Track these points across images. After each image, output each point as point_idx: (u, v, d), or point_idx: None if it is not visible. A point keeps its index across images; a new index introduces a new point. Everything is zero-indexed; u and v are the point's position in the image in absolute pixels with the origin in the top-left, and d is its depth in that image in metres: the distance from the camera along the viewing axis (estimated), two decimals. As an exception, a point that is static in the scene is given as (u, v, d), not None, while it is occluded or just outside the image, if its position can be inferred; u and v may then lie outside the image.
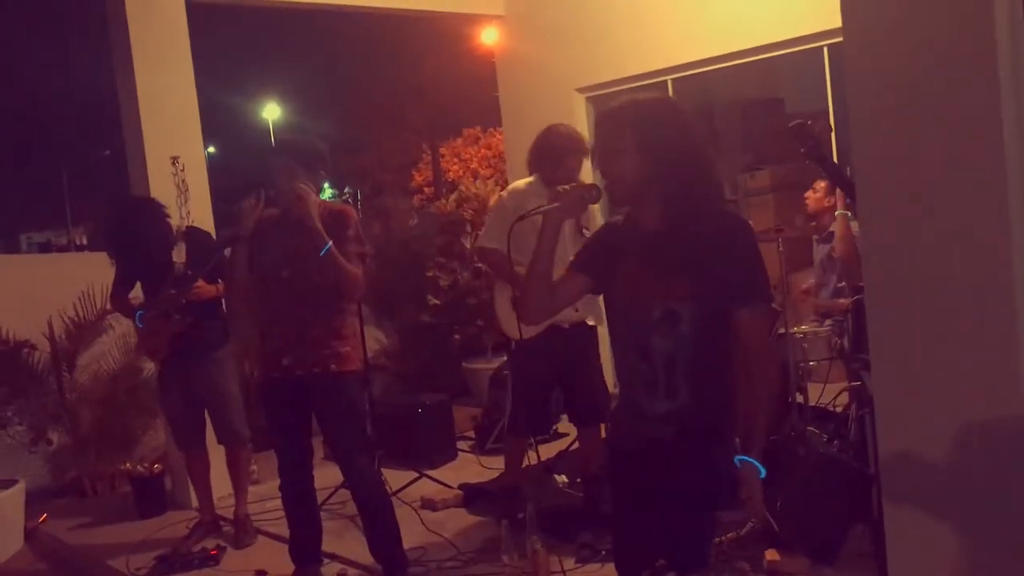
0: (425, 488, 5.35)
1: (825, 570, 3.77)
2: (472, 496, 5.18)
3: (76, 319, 6.30)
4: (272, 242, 3.86)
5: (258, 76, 35.54)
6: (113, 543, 5.11)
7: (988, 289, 2.71)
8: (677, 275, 2.41)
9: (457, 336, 7.54)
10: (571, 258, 2.72)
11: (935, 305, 2.82)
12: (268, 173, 3.91)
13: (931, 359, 2.84)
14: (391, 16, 7.91)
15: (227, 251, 4.09)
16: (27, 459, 6.12)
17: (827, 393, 5.04)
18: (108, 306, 5.08)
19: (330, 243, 3.76)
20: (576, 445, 5.27)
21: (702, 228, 2.41)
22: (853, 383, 4.43)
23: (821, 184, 5.46)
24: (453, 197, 8.00)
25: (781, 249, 4.74)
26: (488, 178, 8.37)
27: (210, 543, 4.87)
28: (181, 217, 5.42)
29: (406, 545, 4.26)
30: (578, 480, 5.04)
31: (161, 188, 5.40)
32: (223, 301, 4.77)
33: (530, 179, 4.59)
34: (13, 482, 5.39)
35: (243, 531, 4.91)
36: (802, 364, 4.69)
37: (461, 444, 6.35)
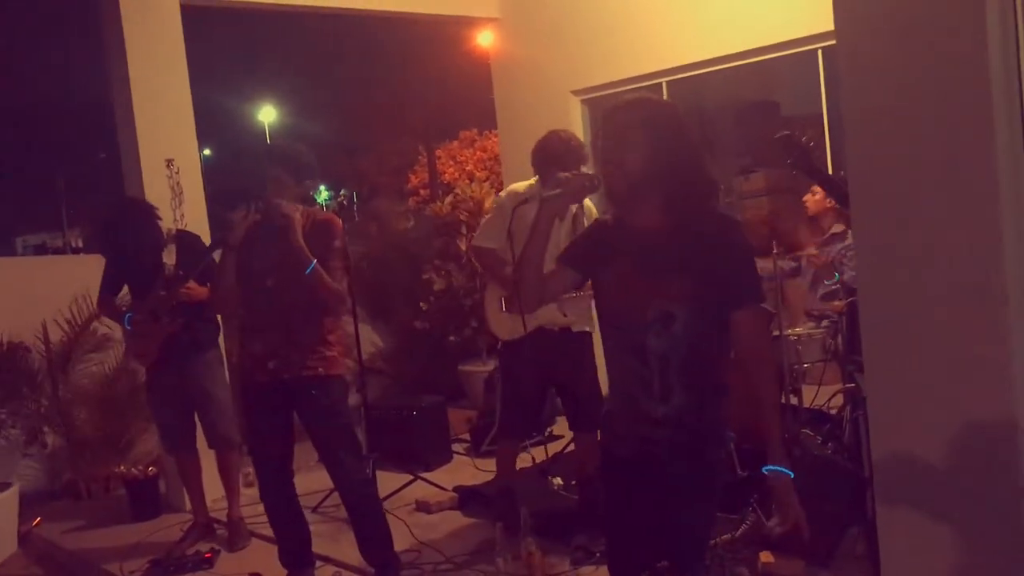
0: (420, 491, 5.35)
1: (820, 572, 3.77)
2: (467, 498, 5.18)
3: (71, 321, 6.28)
4: (259, 250, 3.87)
5: (254, 78, 35.56)
6: (107, 546, 5.10)
7: (980, 293, 2.71)
8: (672, 275, 2.41)
9: (452, 339, 7.53)
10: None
11: (927, 308, 2.82)
12: (257, 182, 3.91)
13: (923, 363, 2.85)
14: (387, 19, 7.91)
15: (216, 253, 4.10)
16: (22, 462, 6.11)
17: (821, 395, 5.05)
18: (99, 311, 5.05)
19: (314, 262, 3.79)
20: (572, 447, 5.27)
21: (697, 229, 2.43)
22: (847, 385, 4.44)
23: (816, 186, 5.44)
24: (448, 200, 8.00)
25: (776, 252, 4.75)
26: (484, 180, 8.35)
27: (204, 546, 4.86)
28: (175, 220, 5.42)
29: (400, 548, 4.26)
30: (573, 483, 5.04)
31: (155, 191, 5.40)
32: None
33: (530, 181, 4.61)
34: (7, 485, 5.38)
35: (236, 534, 4.90)
36: (796, 366, 4.69)
37: (456, 446, 6.35)
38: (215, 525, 5.11)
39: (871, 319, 2.99)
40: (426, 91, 25.01)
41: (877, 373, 3.01)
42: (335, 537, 4.77)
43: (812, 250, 4.74)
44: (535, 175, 4.61)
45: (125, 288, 4.98)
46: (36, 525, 5.57)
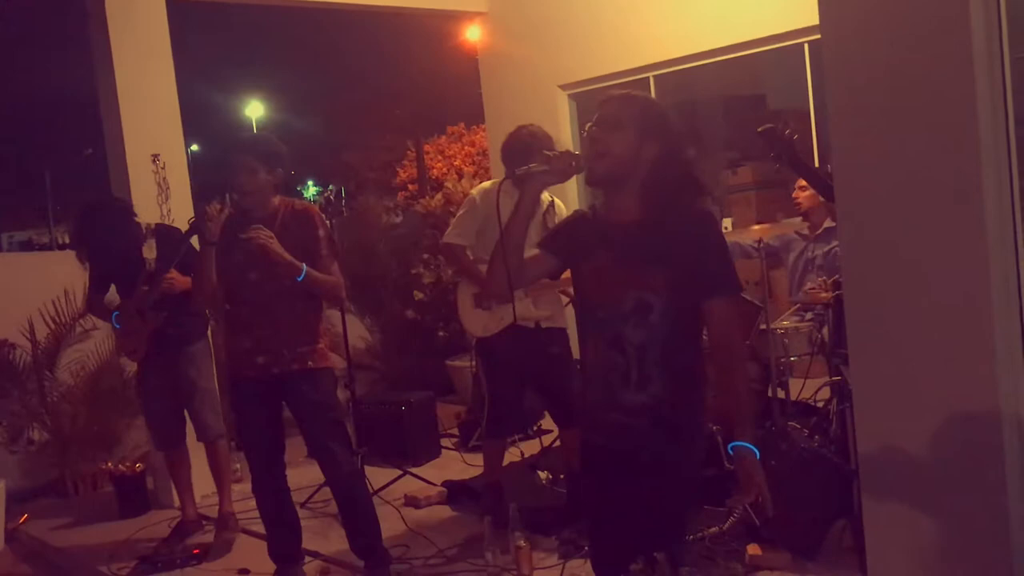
0: (409, 485, 5.35)
1: (807, 564, 3.79)
2: (456, 493, 5.18)
3: (57, 318, 6.26)
4: (240, 244, 3.85)
5: (242, 74, 35.43)
6: (95, 543, 5.09)
7: (964, 287, 2.73)
8: (650, 266, 2.45)
9: (441, 333, 7.53)
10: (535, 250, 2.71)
11: (912, 303, 2.84)
12: (229, 172, 3.90)
13: (908, 356, 2.87)
14: (374, 13, 7.89)
15: (194, 238, 4.10)
16: (8, 459, 6.08)
17: (808, 388, 5.06)
18: (87, 311, 5.04)
19: (304, 269, 3.79)
20: (558, 443, 5.28)
21: (674, 221, 2.47)
22: (834, 378, 4.46)
23: (804, 180, 5.38)
24: (439, 196, 7.99)
25: (762, 246, 4.75)
26: (472, 175, 8.35)
27: (193, 542, 4.85)
28: (162, 215, 5.40)
29: (390, 542, 4.26)
30: (561, 476, 5.05)
31: (142, 186, 5.38)
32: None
33: (501, 181, 4.62)
34: (-7, 482, 5.36)
35: (225, 527, 4.88)
36: (783, 359, 4.70)
37: (445, 441, 6.35)
38: (204, 521, 5.10)
39: (856, 313, 3.01)
40: (414, 86, 24.92)
41: (862, 366, 3.03)
42: (324, 532, 4.77)
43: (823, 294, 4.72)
44: (504, 168, 4.62)
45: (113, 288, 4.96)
46: (23, 523, 5.55)
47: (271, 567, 4.20)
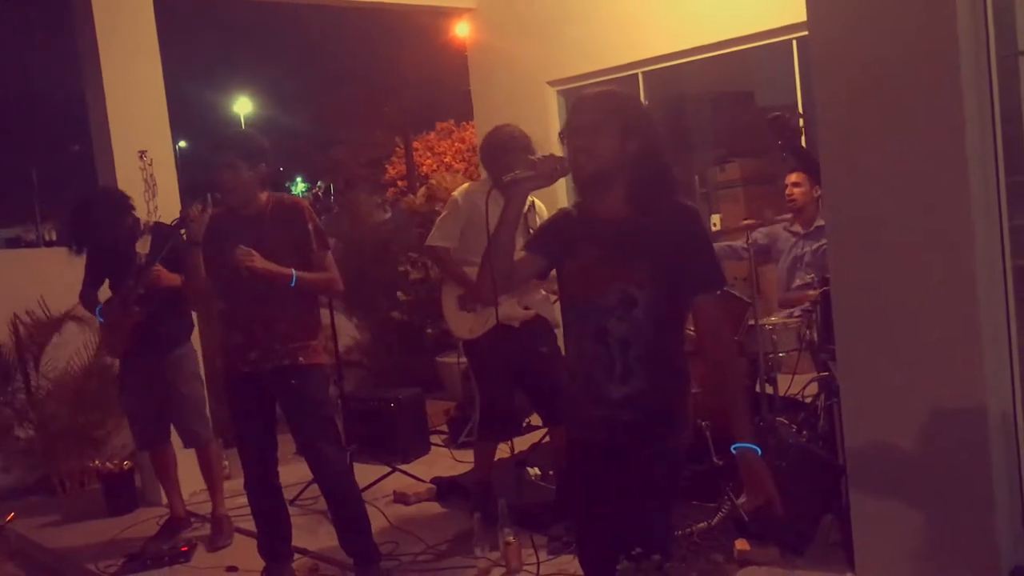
0: (398, 482, 5.35)
1: (795, 559, 3.80)
2: (445, 490, 5.18)
3: (44, 315, 6.22)
4: (230, 241, 3.83)
5: (230, 70, 35.30)
6: (83, 541, 5.06)
7: (951, 283, 2.75)
8: (635, 260, 2.47)
9: (430, 330, 7.52)
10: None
11: (900, 299, 2.85)
12: (211, 170, 3.88)
13: (895, 351, 2.88)
14: (363, 10, 7.87)
15: (182, 232, 4.10)
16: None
17: (796, 384, 5.08)
18: (78, 302, 4.98)
19: (294, 274, 3.79)
20: (547, 439, 5.28)
21: (659, 217, 2.49)
22: (821, 373, 4.47)
23: (796, 177, 5.38)
24: (422, 192, 7.98)
25: (750, 242, 4.76)
26: (460, 172, 8.35)
27: (181, 540, 4.83)
28: (149, 212, 5.37)
29: (379, 539, 4.26)
30: (550, 472, 5.05)
31: (129, 182, 5.34)
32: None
33: (481, 180, 4.65)
34: (-20, 481, 5.33)
35: (219, 532, 4.84)
36: (771, 355, 4.71)
37: (434, 438, 6.35)
38: (192, 519, 5.08)
39: (843, 309, 3.02)
40: (403, 82, 24.90)
41: (850, 362, 3.04)
42: (313, 529, 4.77)
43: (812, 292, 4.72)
44: (485, 170, 4.64)
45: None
46: (10, 521, 5.51)
47: (259, 564, 4.19)
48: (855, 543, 3.13)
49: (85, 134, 5.87)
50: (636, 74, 6.61)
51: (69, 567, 4.87)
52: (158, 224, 4.96)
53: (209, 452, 4.94)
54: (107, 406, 6.20)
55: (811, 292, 4.73)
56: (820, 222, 5.20)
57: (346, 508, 4.09)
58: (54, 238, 34.24)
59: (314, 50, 27.70)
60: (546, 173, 2.54)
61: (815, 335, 4.61)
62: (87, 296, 4.88)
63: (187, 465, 5.10)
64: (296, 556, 4.33)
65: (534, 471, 5.25)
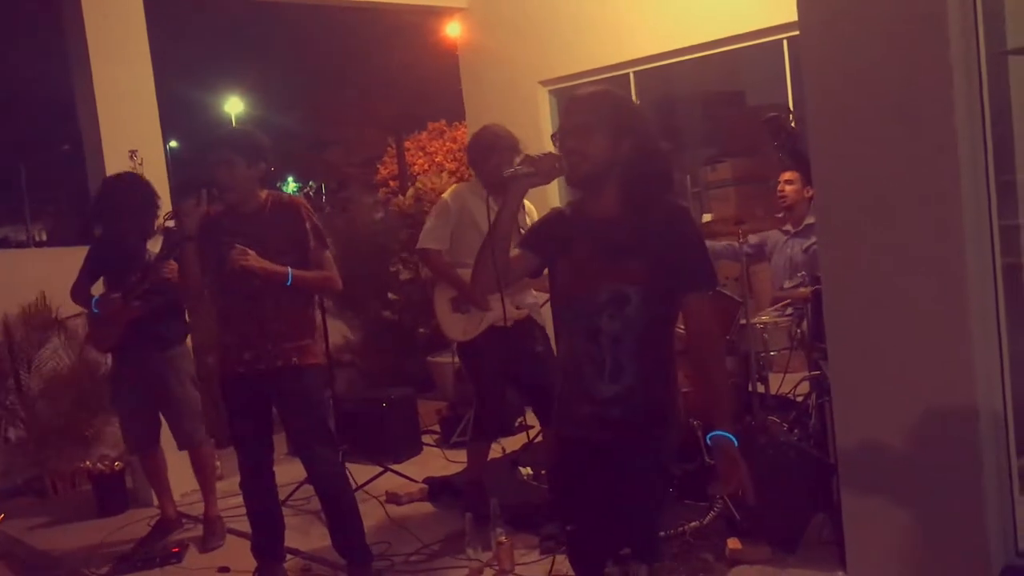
0: (390, 482, 5.34)
1: (786, 558, 3.81)
2: (437, 490, 5.18)
3: (35, 315, 6.20)
4: (225, 239, 3.82)
5: (221, 70, 35.20)
6: (74, 542, 5.05)
7: (941, 281, 2.75)
8: (627, 258, 2.48)
9: (422, 330, 7.51)
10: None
11: (891, 298, 2.86)
12: (209, 168, 3.87)
13: (886, 351, 2.89)
14: (354, 9, 7.86)
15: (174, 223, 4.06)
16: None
17: (788, 382, 5.09)
18: (71, 298, 4.92)
19: (290, 272, 3.79)
20: (540, 438, 5.29)
21: (652, 215, 2.51)
22: (813, 372, 4.48)
23: (790, 175, 5.40)
24: (410, 193, 7.97)
25: (742, 241, 4.77)
26: (453, 172, 8.34)
27: (172, 541, 4.82)
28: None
29: (371, 539, 4.25)
30: (543, 472, 5.05)
31: (119, 183, 5.33)
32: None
33: (470, 182, 4.66)
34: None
35: (211, 533, 4.82)
36: (763, 354, 4.72)
37: (426, 438, 6.35)
38: (184, 520, 5.07)
39: (834, 308, 3.03)
40: (395, 82, 24.86)
41: (841, 361, 3.05)
42: (305, 530, 4.76)
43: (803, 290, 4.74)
44: (473, 170, 4.65)
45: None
46: (0, 522, 5.50)
47: (251, 564, 4.18)
48: (846, 541, 3.14)
49: (75, 133, 5.85)
50: (627, 74, 6.61)
51: (60, 568, 4.85)
52: (169, 229, 4.91)
53: (203, 453, 4.91)
54: (98, 407, 6.18)
55: (802, 291, 4.74)
56: (810, 220, 5.22)
57: (339, 508, 4.09)
58: (44, 238, 34.13)
59: (305, 49, 27.62)
60: (544, 171, 2.55)
61: (806, 333, 4.62)
62: (81, 288, 4.80)
63: (178, 466, 5.08)
64: (288, 556, 4.32)
65: (526, 471, 5.25)
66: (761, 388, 4.77)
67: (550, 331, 4.76)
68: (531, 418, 5.86)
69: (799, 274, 5.18)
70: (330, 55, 26.32)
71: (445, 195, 4.74)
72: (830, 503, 3.73)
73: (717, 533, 4.01)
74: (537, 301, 4.70)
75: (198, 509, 5.06)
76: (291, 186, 36.34)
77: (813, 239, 5.20)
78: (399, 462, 5.76)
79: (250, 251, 3.74)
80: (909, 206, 2.78)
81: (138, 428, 4.88)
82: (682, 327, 2.61)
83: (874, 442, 2.94)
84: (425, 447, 6.21)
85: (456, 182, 6.77)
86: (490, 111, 7.00)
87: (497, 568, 4.00)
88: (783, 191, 5.37)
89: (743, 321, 4.72)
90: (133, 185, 4.77)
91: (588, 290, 2.51)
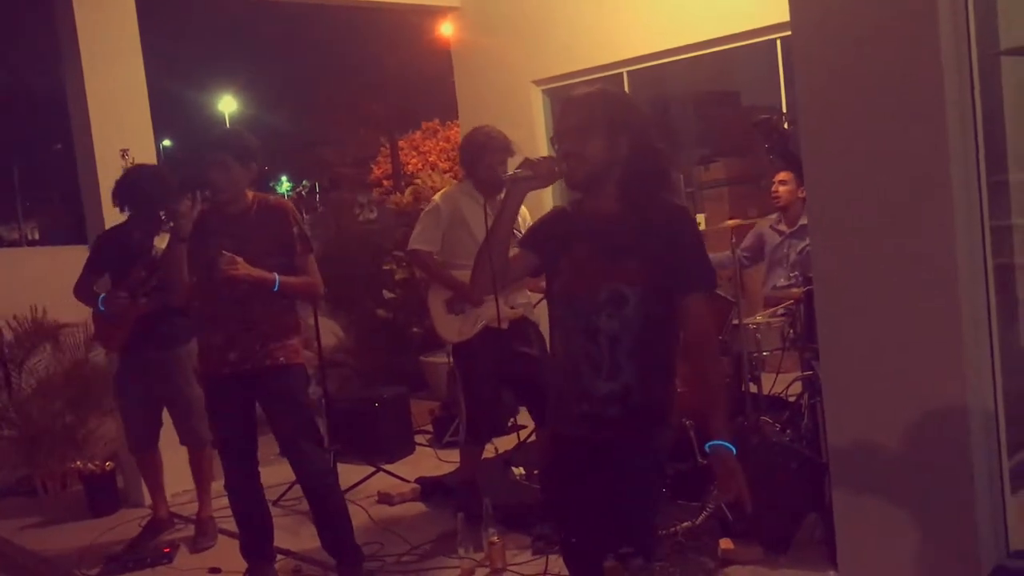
0: (382, 482, 5.33)
1: (778, 558, 3.81)
2: (429, 490, 5.17)
3: (26, 315, 6.18)
4: (214, 240, 3.81)
5: (214, 68, 35.14)
6: (65, 543, 5.03)
7: (933, 281, 2.75)
8: (627, 258, 2.48)
9: (415, 330, 7.51)
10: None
11: (882, 297, 2.86)
12: (202, 169, 3.86)
13: (878, 351, 2.89)
14: (348, 8, 7.85)
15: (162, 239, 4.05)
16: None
17: (780, 383, 5.09)
18: (74, 296, 4.87)
19: (277, 279, 3.79)
20: (533, 438, 5.28)
21: (652, 216, 2.51)
22: (805, 372, 4.49)
23: (784, 175, 5.40)
24: (409, 191, 7.96)
25: (734, 241, 4.77)
26: (447, 171, 8.34)
27: (163, 541, 4.80)
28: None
29: (362, 539, 4.25)
30: (535, 472, 5.05)
31: (111, 182, 5.28)
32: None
33: (461, 183, 4.66)
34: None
35: (203, 533, 4.81)
36: (755, 354, 4.72)
37: (419, 438, 6.34)
38: (176, 520, 5.05)
39: (826, 308, 3.03)
40: (388, 81, 24.87)
41: (833, 361, 3.04)
42: (296, 530, 4.75)
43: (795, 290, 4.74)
44: (463, 171, 4.65)
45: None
46: (-10, 522, 5.48)
47: (242, 565, 4.17)
48: (838, 541, 3.13)
49: (67, 132, 5.82)
50: (621, 73, 6.61)
51: (50, 569, 4.83)
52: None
53: (205, 453, 4.89)
54: (89, 407, 6.16)
55: (795, 291, 4.74)
56: (805, 220, 5.22)
57: (328, 508, 4.08)
58: (36, 237, 34.02)
59: (298, 48, 27.61)
60: (543, 175, 2.55)
61: (799, 333, 4.62)
62: (85, 285, 4.77)
63: (169, 465, 5.06)
64: (279, 557, 4.31)
65: (519, 471, 5.25)
66: (754, 388, 4.77)
67: (544, 330, 4.78)
68: (523, 418, 5.86)
69: (792, 274, 5.19)
70: (324, 54, 26.32)
71: (436, 197, 4.75)
72: (822, 503, 3.73)
73: (709, 533, 4.01)
74: (530, 301, 4.70)
75: (189, 509, 5.05)
76: (284, 185, 36.32)
77: (807, 240, 5.20)
78: (392, 462, 5.75)
79: (239, 259, 3.74)
80: (900, 206, 2.78)
81: (140, 427, 4.86)
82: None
83: (866, 442, 2.94)
84: (417, 447, 6.20)
85: (454, 180, 6.76)
86: (484, 110, 6.99)
87: (489, 568, 4.00)
88: (777, 192, 5.39)
89: (736, 321, 4.72)
90: (157, 177, 4.74)
91: (587, 289, 2.52)
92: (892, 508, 2.91)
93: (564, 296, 2.62)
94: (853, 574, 3.09)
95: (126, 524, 5.17)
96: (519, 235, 2.85)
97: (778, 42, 6.00)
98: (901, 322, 2.81)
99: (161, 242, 4.55)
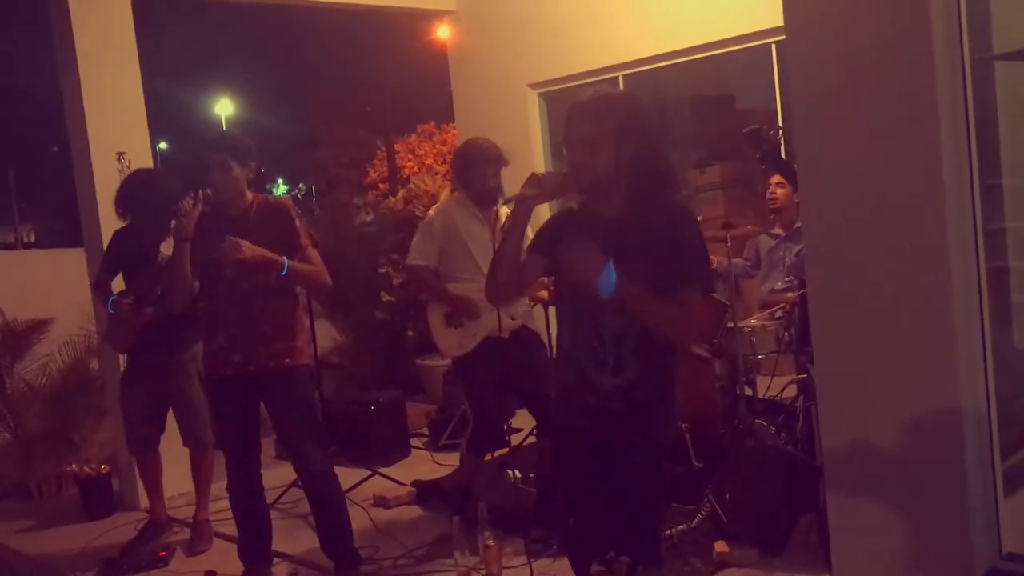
0: (378, 486, 5.33)
1: (773, 561, 3.82)
2: (425, 493, 5.17)
3: (21, 317, 6.17)
4: (215, 241, 3.82)
5: (211, 71, 35.15)
6: (60, 546, 5.01)
7: (926, 285, 2.76)
8: (630, 258, 2.50)
9: (411, 333, 7.50)
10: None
11: (875, 301, 2.87)
12: (202, 169, 3.87)
13: (872, 354, 2.90)
14: (344, 12, 7.85)
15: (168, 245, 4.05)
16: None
17: (775, 386, 5.10)
18: (92, 291, 4.85)
19: (286, 262, 3.77)
20: (529, 440, 5.29)
21: (655, 216, 2.55)
22: (800, 375, 4.49)
23: (780, 178, 5.41)
24: (401, 194, 7.96)
25: (730, 244, 4.78)
26: (443, 174, 8.31)
27: (159, 544, 4.79)
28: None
29: (359, 543, 4.24)
30: (531, 475, 5.05)
31: (107, 184, 5.29)
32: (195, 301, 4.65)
33: (455, 196, 4.67)
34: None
35: (199, 537, 4.80)
36: (750, 357, 4.73)
37: (415, 441, 6.33)
38: (173, 524, 5.04)
39: (820, 311, 3.04)
40: (384, 84, 24.88)
41: (826, 364, 3.05)
42: (293, 533, 4.75)
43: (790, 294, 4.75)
44: (456, 183, 4.68)
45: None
46: (-15, 526, 5.47)
47: (239, 568, 4.17)
48: (832, 544, 3.14)
49: (64, 135, 5.82)
50: (616, 77, 6.61)
51: (46, 573, 4.82)
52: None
53: (207, 456, 4.88)
54: (85, 409, 6.16)
55: (790, 295, 4.75)
56: (799, 224, 5.23)
57: (329, 512, 4.08)
58: (32, 240, 34.00)
59: (295, 52, 27.66)
60: (550, 190, 2.61)
61: (793, 336, 4.63)
62: (101, 283, 4.79)
63: (167, 468, 5.05)
64: (276, 560, 4.31)
65: (515, 474, 5.24)
66: (749, 391, 4.77)
67: (544, 336, 4.79)
68: (518, 421, 5.86)
69: (787, 278, 5.20)
70: (320, 57, 26.35)
71: (431, 212, 4.76)
72: (817, 506, 3.73)
73: (704, 536, 4.02)
74: (529, 309, 4.70)
75: (184, 512, 5.05)
76: (281, 188, 36.31)
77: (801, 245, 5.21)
78: (387, 465, 5.75)
79: (243, 242, 3.73)
80: (894, 210, 2.79)
81: (144, 428, 4.85)
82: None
83: (860, 445, 2.95)
84: (413, 450, 6.20)
85: (448, 183, 6.77)
86: (479, 114, 7.00)
87: (484, 572, 4.00)
88: (774, 194, 5.40)
89: (731, 324, 4.72)
90: (152, 182, 4.74)
91: (590, 287, 2.54)
92: (886, 511, 2.92)
93: (570, 293, 2.68)
94: (847, 577, 3.10)
95: (121, 527, 5.16)
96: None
97: (773, 46, 6.02)
98: (895, 325, 2.82)
99: (168, 248, 4.56)
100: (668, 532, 4.00)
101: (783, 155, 4.54)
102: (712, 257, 5.47)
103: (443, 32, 7.83)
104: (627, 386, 2.57)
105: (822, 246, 3.00)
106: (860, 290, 2.89)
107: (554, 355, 2.92)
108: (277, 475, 4.79)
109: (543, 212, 3.70)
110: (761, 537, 3.89)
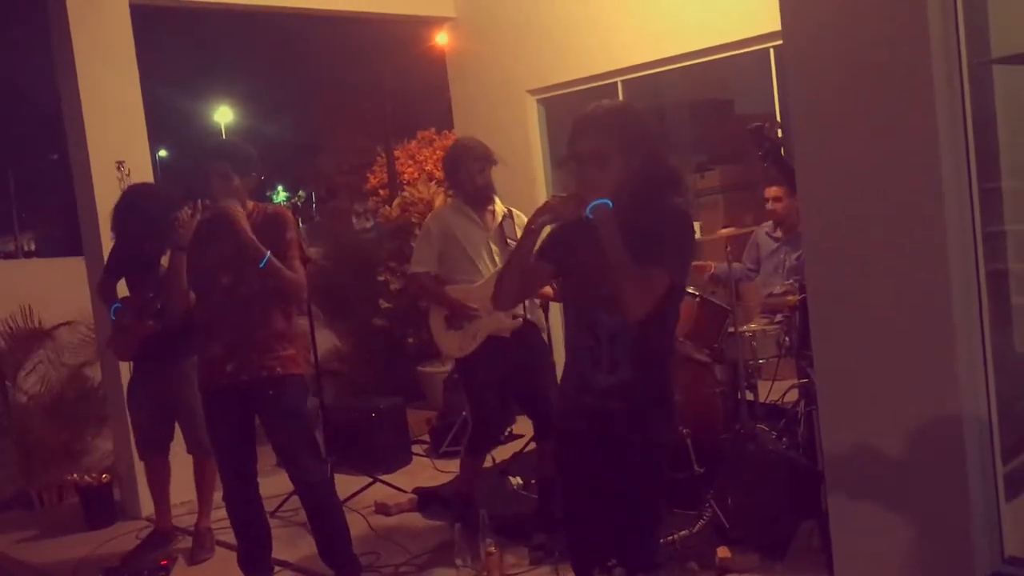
0: (379, 493, 5.33)
1: (775, 566, 3.81)
2: (426, 500, 5.16)
3: (22, 326, 6.17)
4: (211, 249, 3.82)
5: (210, 79, 35.20)
6: (61, 555, 5.01)
7: (926, 288, 2.76)
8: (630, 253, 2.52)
9: (411, 339, 7.50)
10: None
11: (875, 305, 2.87)
12: (202, 178, 3.87)
13: (872, 358, 2.89)
14: (343, 19, 7.85)
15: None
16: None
17: (776, 390, 5.10)
18: (96, 293, 4.83)
19: (268, 254, 3.77)
20: (531, 447, 5.28)
21: (652, 219, 2.58)
22: (801, 380, 4.49)
23: (775, 191, 5.41)
24: (396, 202, 7.97)
25: (729, 249, 4.78)
26: (440, 181, 8.30)
27: (161, 554, 4.78)
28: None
29: (360, 550, 4.24)
30: (532, 482, 5.04)
31: (106, 193, 5.31)
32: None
33: (450, 200, 4.69)
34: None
35: (201, 546, 4.79)
36: (751, 362, 4.73)
37: (416, 448, 6.33)
38: (177, 533, 5.03)
39: (820, 315, 3.04)
40: (384, 91, 24.88)
41: (827, 368, 3.05)
42: (293, 541, 4.74)
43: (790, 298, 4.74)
44: (449, 186, 4.74)
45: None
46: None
47: (239, 577, 4.16)
48: (834, 549, 3.14)
49: (64, 143, 5.82)
50: (616, 82, 6.62)
51: (47, 582, 4.82)
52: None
53: (209, 464, 4.86)
54: (86, 419, 6.15)
55: (790, 298, 4.75)
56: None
57: (327, 520, 4.07)
58: (33, 248, 34.03)
59: (294, 59, 27.69)
60: (566, 215, 2.63)
61: (794, 341, 4.62)
62: (106, 287, 4.78)
63: (172, 478, 5.03)
64: (276, 568, 4.30)
65: (516, 480, 5.24)
66: (750, 396, 4.77)
67: (544, 335, 4.79)
68: (520, 428, 5.86)
69: (788, 281, 5.20)
70: (320, 64, 26.38)
71: (428, 218, 4.79)
72: (819, 510, 3.73)
73: (706, 541, 4.01)
74: (535, 301, 4.69)
75: (185, 521, 5.04)
76: (281, 195, 36.31)
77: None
78: (389, 472, 5.74)
79: (241, 211, 3.75)
80: (893, 213, 2.79)
81: (151, 429, 4.85)
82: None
83: (861, 449, 2.94)
84: (415, 457, 6.19)
85: (444, 190, 6.76)
86: (478, 120, 7.00)
87: (486, 578, 3.99)
88: (773, 209, 5.42)
89: (731, 329, 4.72)
90: (150, 196, 4.74)
91: (590, 287, 2.62)
92: (887, 515, 2.91)
93: (571, 296, 2.76)
94: (849, 582, 3.10)
95: (123, 537, 5.16)
96: (512, 243, 2.90)
97: (771, 51, 6.02)
98: (895, 329, 2.82)
99: (167, 260, 4.57)
100: (670, 537, 4.00)
101: (783, 156, 4.55)
102: (709, 263, 5.52)
103: (442, 38, 7.83)
104: (623, 385, 2.60)
105: (821, 250, 3.00)
106: (860, 294, 2.89)
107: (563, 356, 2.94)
108: (277, 483, 4.77)
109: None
110: (763, 542, 3.88)
